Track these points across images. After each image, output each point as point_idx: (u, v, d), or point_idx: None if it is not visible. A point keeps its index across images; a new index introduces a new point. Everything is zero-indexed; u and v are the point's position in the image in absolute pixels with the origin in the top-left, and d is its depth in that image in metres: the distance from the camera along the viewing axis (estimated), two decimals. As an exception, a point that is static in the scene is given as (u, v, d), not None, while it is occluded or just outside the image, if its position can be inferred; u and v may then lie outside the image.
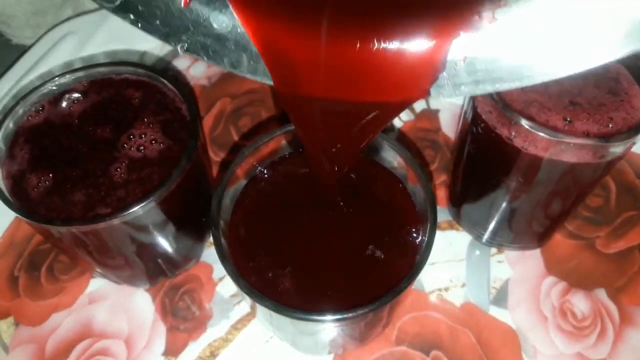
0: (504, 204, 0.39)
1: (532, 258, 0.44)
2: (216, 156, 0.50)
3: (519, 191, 0.37)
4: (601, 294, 0.42)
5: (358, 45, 0.21)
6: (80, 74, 0.38)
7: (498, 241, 0.43)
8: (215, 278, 0.44)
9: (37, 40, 0.51)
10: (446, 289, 0.43)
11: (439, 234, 0.45)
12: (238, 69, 0.23)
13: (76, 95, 0.38)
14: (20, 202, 0.34)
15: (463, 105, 0.45)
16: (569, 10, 0.20)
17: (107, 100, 0.38)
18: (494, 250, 0.44)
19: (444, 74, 0.21)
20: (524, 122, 0.32)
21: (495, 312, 0.42)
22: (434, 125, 0.51)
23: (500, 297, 0.42)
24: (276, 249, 0.33)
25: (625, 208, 0.46)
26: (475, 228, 0.44)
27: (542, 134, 0.32)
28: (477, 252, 0.44)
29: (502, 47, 0.21)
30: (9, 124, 0.36)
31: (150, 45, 0.57)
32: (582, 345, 0.40)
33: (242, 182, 0.37)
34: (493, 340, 0.41)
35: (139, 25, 0.23)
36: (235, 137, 0.51)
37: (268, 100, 0.52)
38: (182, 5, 0.22)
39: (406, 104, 0.25)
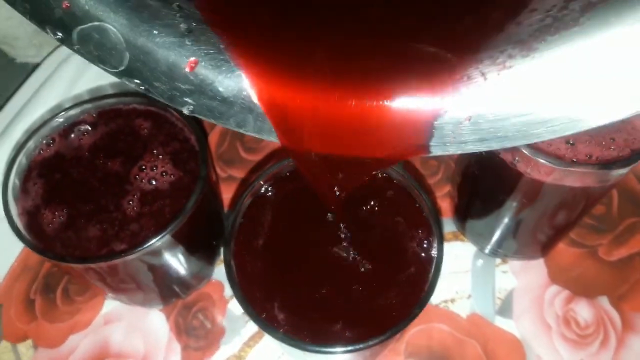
0: (508, 219, 0.40)
1: (536, 267, 0.45)
2: (223, 172, 0.50)
3: (523, 208, 0.38)
4: (604, 301, 0.43)
5: (353, 105, 0.22)
6: (88, 105, 0.39)
7: (502, 252, 0.44)
8: (226, 296, 0.45)
9: (42, 60, 0.52)
10: (452, 301, 0.44)
11: (444, 246, 0.46)
12: (244, 128, 0.24)
13: (85, 127, 0.39)
14: (36, 238, 0.35)
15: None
16: (572, 71, 0.20)
17: (116, 132, 0.38)
18: (498, 260, 0.45)
19: (450, 132, 0.22)
20: (526, 150, 0.33)
21: (500, 322, 0.43)
22: (436, 134, 0.51)
23: (505, 308, 0.43)
24: (284, 275, 0.33)
25: (627, 215, 0.46)
26: (480, 240, 0.45)
27: (544, 162, 0.32)
28: (482, 263, 0.45)
29: (508, 106, 0.21)
30: (22, 159, 0.37)
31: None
32: (586, 353, 0.41)
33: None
34: (499, 351, 0.42)
35: (143, 89, 0.23)
36: (242, 153, 0.51)
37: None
38: (187, 70, 0.23)
39: (406, 158, 0.25)
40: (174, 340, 0.43)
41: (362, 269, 0.33)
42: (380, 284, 0.32)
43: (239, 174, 0.50)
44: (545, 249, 0.44)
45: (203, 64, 0.23)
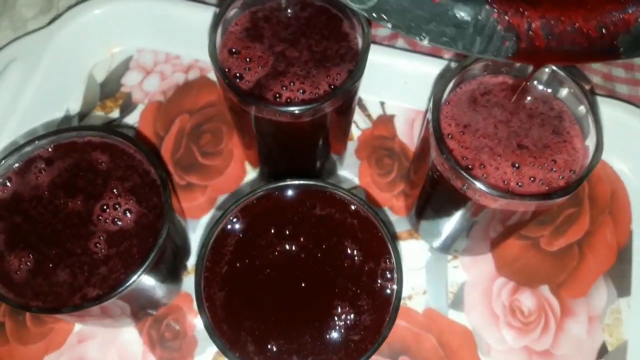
0: (459, 226, 0.43)
1: (484, 261, 0.48)
2: (181, 179, 0.51)
3: (473, 222, 0.41)
4: (545, 290, 0.48)
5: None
6: (43, 141, 0.38)
7: (454, 250, 0.48)
8: (195, 307, 0.46)
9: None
10: (409, 298, 0.47)
11: (400, 244, 0.49)
12: (470, 49, 0.28)
13: (42, 164, 0.38)
14: (6, 287, 0.35)
15: (425, 117, 0.47)
16: None
17: (73, 167, 0.38)
18: (450, 256, 0.48)
19: None
20: (474, 182, 0.35)
21: (453, 315, 0.47)
22: (390, 132, 0.53)
23: (457, 301, 0.47)
24: (253, 307, 0.35)
25: (566, 206, 0.50)
26: (433, 239, 0.48)
27: (488, 192, 0.35)
28: (435, 260, 0.48)
29: None
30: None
31: (100, 58, 0.55)
32: (529, 339, 0.46)
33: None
34: (452, 342, 0.46)
35: (389, 24, 0.28)
36: (199, 158, 0.51)
37: (226, 114, 0.53)
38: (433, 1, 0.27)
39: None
40: (149, 353, 0.45)
41: (326, 299, 0.35)
42: (344, 313, 0.35)
43: (198, 180, 0.51)
44: (493, 247, 0.47)
45: None
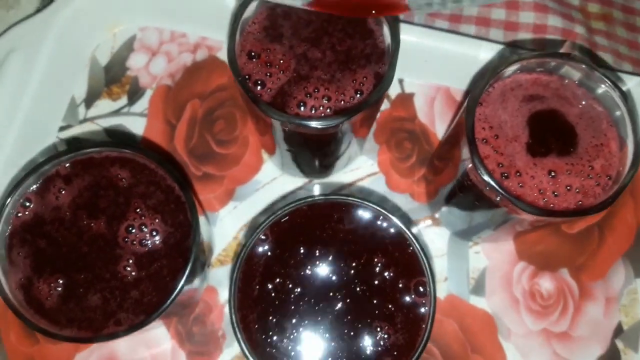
0: (487, 223, 0.42)
1: (505, 246, 0.49)
2: (197, 170, 0.50)
3: (502, 221, 0.40)
4: (564, 273, 0.48)
5: None
6: (60, 158, 0.37)
7: (477, 238, 0.48)
8: (221, 301, 0.47)
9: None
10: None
11: (421, 231, 0.49)
12: None
13: (61, 183, 0.37)
14: (38, 314, 0.35)
15: (443, 93, 0.46)
16: None
17: (93, 185, 0.37)
18: (471, 242, 0.49)
19: None
20: (512, 200, 0.34)
21: (474, 300, 0.48)
22: (409, 112, 0.51)
23: (478, 287, 0.48)
24: (287, 329, 0.35)
25: (587, 187, 0.50)
26: (456, 228, 0.48)
27: (526, 211, 0.34)
28: (457, 246, 0.49)
29: None
30: (1, 226, 0.36)
31: (101, 39, 0.52)
32: (548, 321, 0.47)
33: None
34: (473, 326, 0.47)
35: None
36: (214, 147, 0.50)
37: (238, 98, 0.51)
38: None
39: None
40: (178, 348, 0.46)
41: (359, 318, 0.35)
42: (378, 331, 0.35)
43: (215, 170, 0.50)
44: (517, 237, 0.47)
45: None
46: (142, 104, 0.51)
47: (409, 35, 0.49)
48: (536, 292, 0.48)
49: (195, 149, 0.50)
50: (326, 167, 0.47)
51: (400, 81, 0.52)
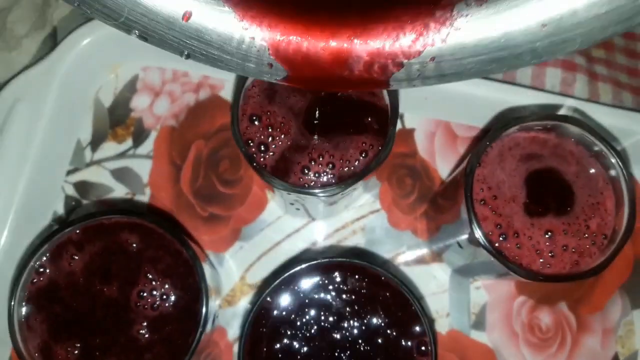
0: (489, 269, 0.43)
1: (505, 280, 0.50)
2: (203, 211, 0.51)
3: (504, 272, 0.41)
4: (563, 307, 0.50)
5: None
6: (74, 226, 0.38)
7: (478, 278, 0.49)
8: (230, 339, 0.49)
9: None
10: (434, 321, 0.49)
11: (423, 268, 0.50)
12: (235, 70, 0.25)
13: (73, 249, 0.38)
14: (58, 379, 0.37)
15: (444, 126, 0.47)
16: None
17: (104, 251, 0.38)
18: (471, 278, 0.50)
19: (414, 69, 0.23)
20: (509, 266, 0.35)
21: (475, 335, 0.49)
22: (410, 148, 0.52)
23: (479, 321, 0.49)
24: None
25: (586, 221, 0.51)
26: (457, 267, 0.49)
27: (523, 277, 0.35)
28: (458, 283, 0.50)
29: (466, 48, 0.22)
30: (19, 294, 0.37)
31: (104, 81, 0.53)
32: (546, 354, 0.49)
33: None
34: (474, 360, 0.49)
35: (138, 36, 0.24)
36: (219, 187, 0.51)
37: (242, 137, 0.52)
38: (183, 21, 0.24)
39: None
40: (190, 385, 0.48)
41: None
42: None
43: (220, 211, 0.51)
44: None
45: (198, 13, 0.23)
46: (147, 146, 0.52)
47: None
48: (535, 325, 0.49)
49: (200, 190, 0.51)
50: (329, 210, 0.49)
51: (401, 116, 0.53)
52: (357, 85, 0.25)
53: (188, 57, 0.25)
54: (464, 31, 0.22)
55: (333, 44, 0.23)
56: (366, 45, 0.23)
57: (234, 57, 0.24)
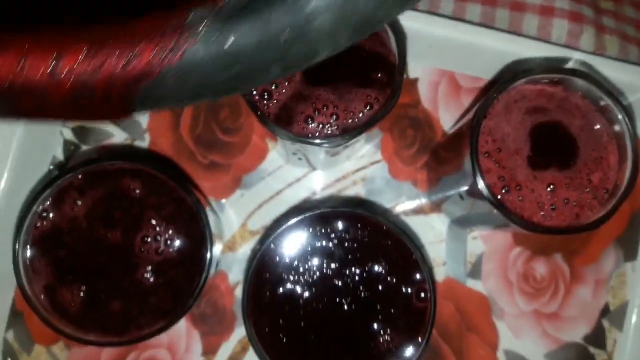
0: (488, 220, 0.44)
1: (502, 231, 0.51)
2: (204, 158, 0.50)
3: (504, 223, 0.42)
4: (558, 258, 0.51)
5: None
6: (76, 171, 0.38)
7: (475, 228, 0.50)
8: (232, 284, 0.50)
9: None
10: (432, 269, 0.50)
11: (421, 218, 0.51)
12: None
13: (75, 194, 0.38)
14: (64, 319, 0.37)
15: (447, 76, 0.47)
16: None
17: (108, 197, 0.38)
18: (468, 229, 0.51)
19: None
20: (509, 216, 0.36)
21: (471, 283, 0.50)
22: (413, 98, 0.52)
23: (475, 270, 0.50)
24: (298, 333, 0.38)
25: (584, 174, 0.51)
26: (456, 218, 0.49)
27: (523, 228, 0.36)
28: (455, 233, 0.51)
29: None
30: (22, 237, 0.37)
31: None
32: (539, 303, 0.50)
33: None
34: (469, 307, 0.50)
35: None
36: (219, 135, 0.51)
37: (243, 83, 0.51)
38: None
39: None
40: (192, 328, 0.49)
41: (363, 321, 0.38)
42: (381, 334, 0.38)
43: (221, 159, 0.51)
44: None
45: None
46: (147, 91, 0.51)
47: (413, 22, 0.48)
48: (530, 275, 0.50)
49: (201, 137, 0.51)
50: (331, 161, 0.48)
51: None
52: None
53: None
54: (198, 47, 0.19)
55: None
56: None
57: None
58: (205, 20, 0.18)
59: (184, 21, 0.18)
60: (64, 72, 0.18)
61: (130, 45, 0.18)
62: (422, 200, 0.51)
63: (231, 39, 0.18)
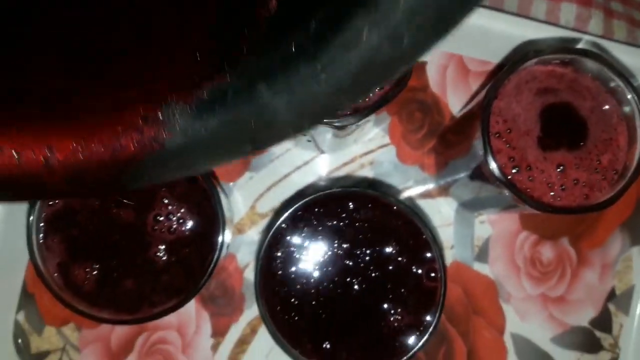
0: (496, 203, 0.44)
1: (510, 215, 0.51)
2: (213, 141, 0.51)
3: (512, 205, 0.42)
4: (564, 242, 0.51)
5: None
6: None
7: (483, 211, 0.50)
8: (241, 266, 0.50)
9: None
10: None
11: (428, 202, 0.51)
12: None
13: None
14: (78, 297, 0.38)
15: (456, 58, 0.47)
16: None
17: (120, 175, 0.38)
18: (476, 212, 0.51)
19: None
20: (521, 197, 0.36)
21: (478, 267, 0.51)
22: (421, 82, 0.52)
23: (482, 254, 0.51)
24: (311, 312, 0.38)
25: (592, 159, 0.51)
26: (464, 201, 0.50)
27: (535, 208, 0.36)
28: (463, 216, 0.51)
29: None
30: (36, 215, 0.38)
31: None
32: (546, 286, 0.51)
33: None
34: (476, 290, 0.50)
35: None
36: (228, 118, 0.51)
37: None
38: None
39: None
40: (202, 309, 0.50)
41: (374, 300, 0.38)
42: (391, 313, 0.38)
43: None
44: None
45: None
46: (156, 74, 0.51)
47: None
48: (537, 259, 0.51)
49: (210, 120, 0.51)
50: (339, 143, 0.49)
51: (414, 50, 0.52)
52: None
53: None
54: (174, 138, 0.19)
55: None
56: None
57: None
58: (177, 116, 0.19)
59: (160, 116, 0.19)
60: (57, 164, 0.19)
61: (115, 138, 0.19)
62: (430, 184, 0.51)
63: (202, 131, 0.19)
